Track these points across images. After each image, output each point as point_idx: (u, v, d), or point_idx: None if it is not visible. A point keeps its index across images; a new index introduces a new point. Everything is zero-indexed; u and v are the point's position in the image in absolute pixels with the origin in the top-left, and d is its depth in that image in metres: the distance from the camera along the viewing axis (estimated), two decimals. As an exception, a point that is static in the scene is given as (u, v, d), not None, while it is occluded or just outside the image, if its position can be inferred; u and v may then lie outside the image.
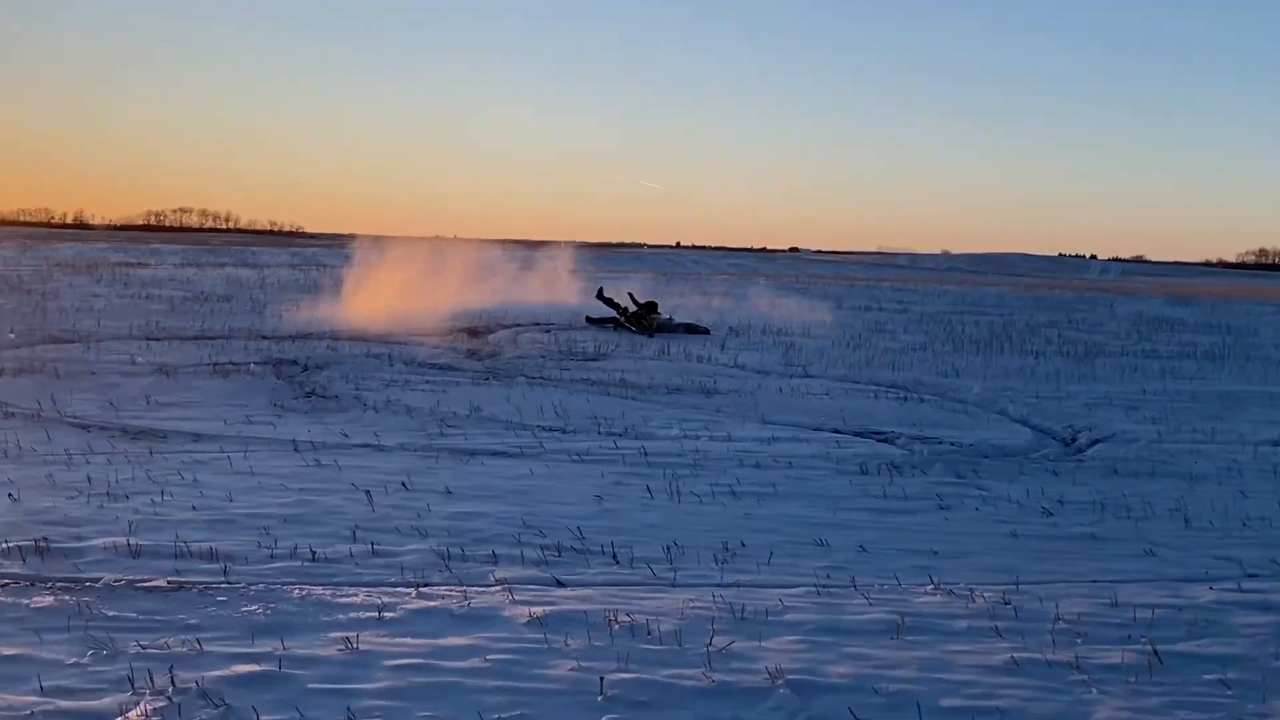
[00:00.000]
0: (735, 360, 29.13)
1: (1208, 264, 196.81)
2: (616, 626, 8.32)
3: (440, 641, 7.96)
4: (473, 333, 33.14)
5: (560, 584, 9.39)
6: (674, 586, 9.50)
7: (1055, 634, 8.35)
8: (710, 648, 7.94)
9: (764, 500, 13.36)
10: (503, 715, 6.79)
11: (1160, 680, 7.39)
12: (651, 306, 35.98)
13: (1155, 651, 7.88)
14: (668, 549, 10.58)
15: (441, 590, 9.07)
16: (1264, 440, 19.26)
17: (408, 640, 7.95)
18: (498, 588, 9.17)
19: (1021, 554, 11.15)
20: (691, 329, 35.95)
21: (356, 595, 8.82)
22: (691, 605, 8.90)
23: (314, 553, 9.90)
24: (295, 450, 14.56)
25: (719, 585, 9.54)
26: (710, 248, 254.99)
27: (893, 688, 7.20)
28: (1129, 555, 11.15)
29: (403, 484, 12.65)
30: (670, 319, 36.88)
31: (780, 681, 7.25)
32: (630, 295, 36.95)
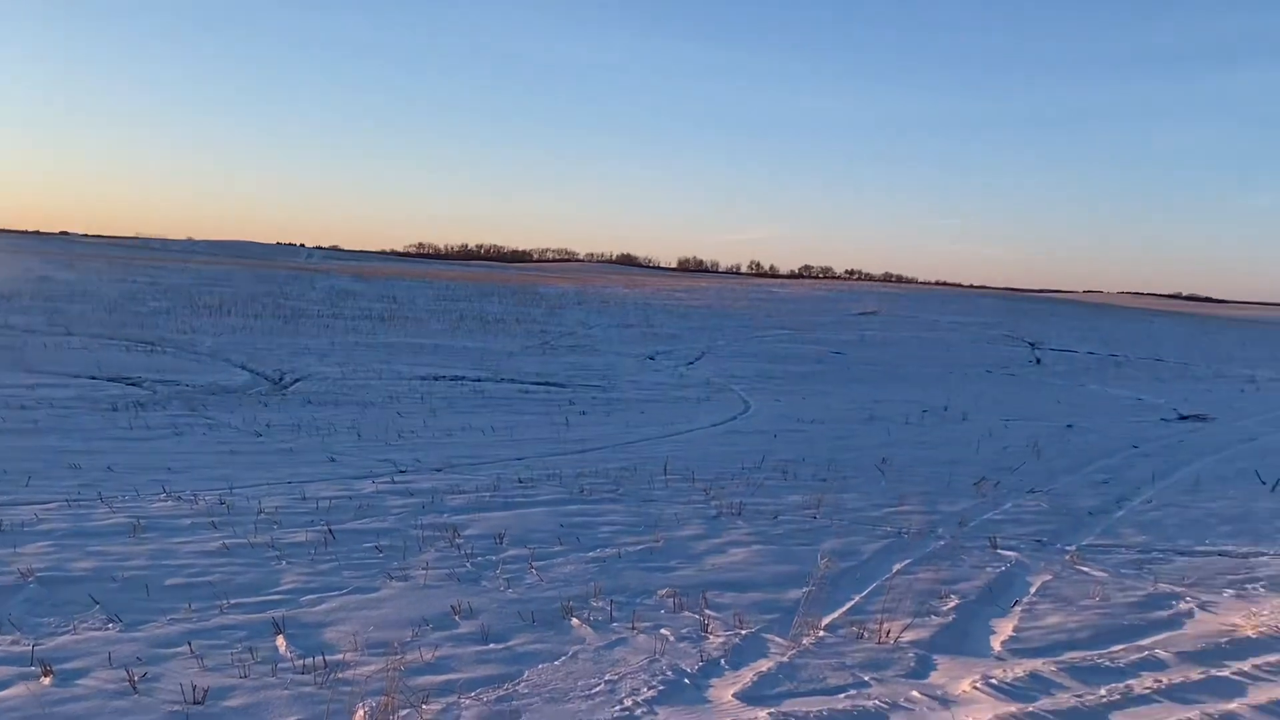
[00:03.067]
0: (5, 321, 26.39)
1: (383, 252, 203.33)
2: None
3: None
4: None
5: None
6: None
7: (258, 523, 8.40)
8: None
9: (26, 435, 12.28)
10: None
11: (332, 550, 7.69)
12: None
13: (330, 530, 8.17)
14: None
15: None
16: (415, 376, 20.40)
17: None
18: None
19: (237, 466, 11.08)
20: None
21: None
22: (-47, 524, 7.99)
23: None
24: None
25: (-21, 506, 8.63)
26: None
27: (128, 574, 6.92)
28: (317, 462, 11.43)
29: None
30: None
31: (31, 578, 6.74)
32: None
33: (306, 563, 7.37)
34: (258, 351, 23.71)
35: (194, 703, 4.97)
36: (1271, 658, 5.98)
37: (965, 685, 5.42)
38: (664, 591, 6.90)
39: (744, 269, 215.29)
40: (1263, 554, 8.50)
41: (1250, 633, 6.41)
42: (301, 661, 5.49)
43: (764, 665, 5.63)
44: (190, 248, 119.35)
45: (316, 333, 28.88)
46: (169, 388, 17.50)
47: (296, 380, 19.46)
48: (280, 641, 5.79)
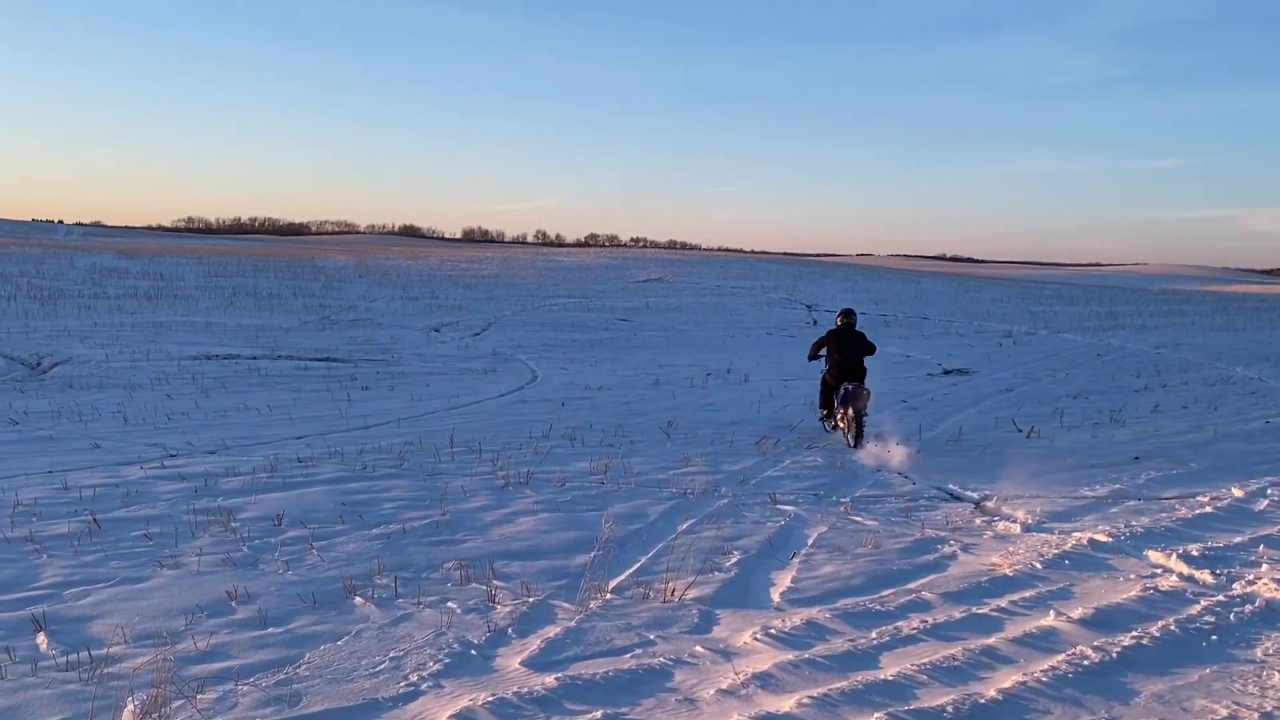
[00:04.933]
0: None
1: (150, 227, 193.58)
2: None
3: None
4: None
5: None
6: None
7: (15, 516, 7.89)
8: None
9: None
10: None
11: (98, 541, 7.30)
12: None
13: (95, 520, 7.76)
14: None
15: None
16: (186, 356, 19.50)
17: None
18: None
19: (-16, 458, 10.34)
20: None
21: None
22: None
23: None
24: None
25: None
26: None
27: None
28: (79, 450, 10.80)
29: None
30: None
31: None
32: None
33: (69, 555, 6.97)
34: (11, 335, 22.18)
35: (-58, 712, 4.64)
36: (1027, 593, 6.42)
37: (746, 637, 5.61)
38: (450, 564, 6.85)
39: (530, 238, 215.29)
40: (1019, 496, 9.10)
41: (1007, 571, 6.86)
42: (65, 658, 5.19)
43: (551, 631, 5.67)
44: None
45: (77, 313, 27.22)
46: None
47: (56, 364, 18.31)
48: (41, 639, 5.47)
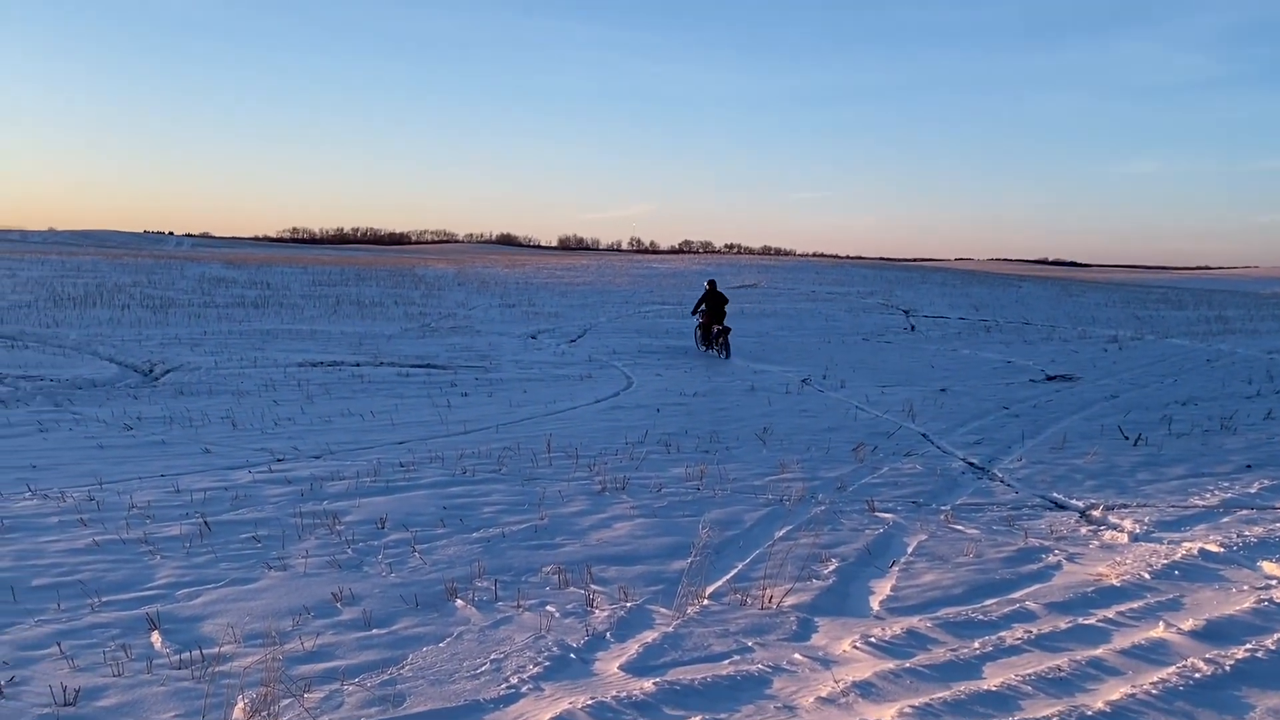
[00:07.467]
0: None
1: (256, 238, 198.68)
2: None
3: None
4: None
5: None
6: None
7: (129, 519, 8.15)
8: None
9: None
10: None
11: (208, 542, 7.50)
12: None
13: (206, 522, 7.98)
14: None
15: None
16: (291, 363, 19.97)
17: None
18: None
19: (106, 461, 10.71)
20: None
21: None
22: None
23: None
24: None
25: None
26: None
27: (-9, 576, 6.64)
28: (190, 454, 11.10)
29: None
30: None
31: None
32: None
33: (181, 556, 7.18)
34: (126, 343, 22.94)
35: (65, 704, 4.82)
36: (1135, 604, 6.24)
37: (845, 645, 5.55)
38: (549, 568, 6.91)
39: (625, 246, 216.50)
40: (1126, 504, 8.86)
41: (1115, 581, 6.68)
42: (178, 656, 5.35)
43: (649, 636, 5.68)
44: (51, 238, 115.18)
45: (188, 322, 28.05)
46: (32, 383, 16.81)
47: (168, 371, 18.89)
48: (155, 637, 5.64)
